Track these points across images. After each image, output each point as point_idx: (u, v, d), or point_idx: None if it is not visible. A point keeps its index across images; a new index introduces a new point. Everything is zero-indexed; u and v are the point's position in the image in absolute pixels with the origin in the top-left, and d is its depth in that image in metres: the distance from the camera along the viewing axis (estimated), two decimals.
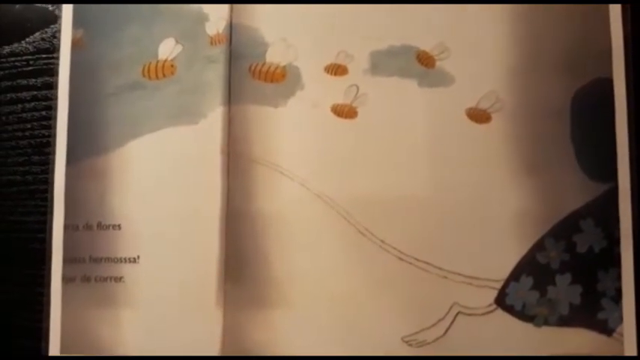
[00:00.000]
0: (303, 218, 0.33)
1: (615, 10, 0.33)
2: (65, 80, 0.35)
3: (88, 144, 0.34)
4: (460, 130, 0.33)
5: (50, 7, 0.36)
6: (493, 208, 0.32)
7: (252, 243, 0.33)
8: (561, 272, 0.32)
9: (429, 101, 0.33)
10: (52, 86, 0.35)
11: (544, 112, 0.33)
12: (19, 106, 0.36)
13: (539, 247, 0.32)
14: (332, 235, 0.33)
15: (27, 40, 0.36)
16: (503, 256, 0.32)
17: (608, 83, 0.32)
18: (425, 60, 0.33)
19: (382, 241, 0.33)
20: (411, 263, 0.32)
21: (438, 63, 0.33)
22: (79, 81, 0.35)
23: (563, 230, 0.32)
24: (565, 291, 0.32)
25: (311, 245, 0.33)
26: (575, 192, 0.32)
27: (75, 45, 0.35)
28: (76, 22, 0.35)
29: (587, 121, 0.32)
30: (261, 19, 0.34)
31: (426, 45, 0.33)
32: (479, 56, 0.33)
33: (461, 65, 0.33)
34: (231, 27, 0.34)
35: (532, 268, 0.32)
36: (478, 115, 0.33)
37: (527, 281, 0.32)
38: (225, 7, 0.34)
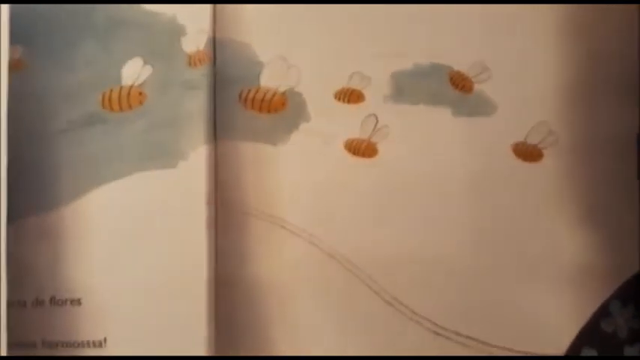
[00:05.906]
0: (312, 285, 0.30)
1: None
2: (3, 113, 0.30)
3: (34, 197, 0.31)
4: (505, 170, 0.31)
5: None
6: (547, 266, 0.30)
7: (247, 317, 0.30)
8: (630, 343, 0.30)
9: (467, 134, 0.31)
10: None
11: (606, 147, 0.31)
12: None
13: (603, 312, 0.30)
14: (350, 306, 0.30)
15: None
16: (561, 324, 0.30)
17: None
18: (460, 83, 0.31)
19: (413, 312, 0.30)
20: (449, 338, 0.30)
21: (476, 86, 0.31)
22: (20, 114, 0.30)
23: (632, 291, 0.30)
24: None
25: (323, 318, 0.30)
26: None
27: (13, 67, 0.30)
28: (13, 37, 0.30)
29: None
30: (254, 32, 0.32)
31: (461, 64, 0.31)
32: (526, 78, 0.31)
33: (504, 89, 0.31)
34: (214, 42, 0.31)
35: (595, 339, 0.30)
36: (527, 152, 0.31)
37: (590, 354, 0.30)
38: (207, 18, 0.31)
